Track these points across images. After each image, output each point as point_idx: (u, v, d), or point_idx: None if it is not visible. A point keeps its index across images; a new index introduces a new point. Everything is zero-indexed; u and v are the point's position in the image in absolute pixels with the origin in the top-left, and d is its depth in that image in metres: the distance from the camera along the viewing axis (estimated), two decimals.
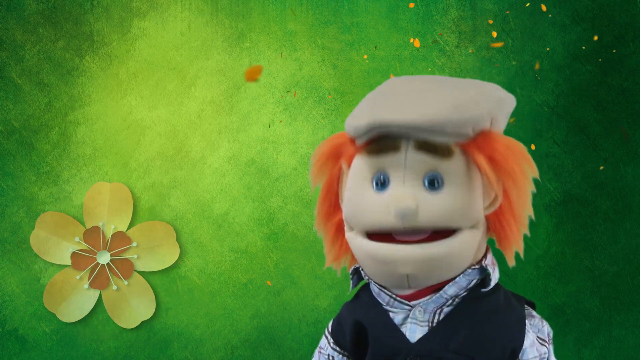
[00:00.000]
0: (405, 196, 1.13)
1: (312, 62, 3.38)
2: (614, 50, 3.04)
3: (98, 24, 3.39)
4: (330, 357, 1.32)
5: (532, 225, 1.26)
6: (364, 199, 1.18)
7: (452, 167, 1.14)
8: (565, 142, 3.25)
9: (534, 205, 1.24)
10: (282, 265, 3.38)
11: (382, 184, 1.17)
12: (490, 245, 1.27)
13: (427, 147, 1.14)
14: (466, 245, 1.16)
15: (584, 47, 3.13)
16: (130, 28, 3.40)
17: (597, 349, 3.25)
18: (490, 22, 3.00)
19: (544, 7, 2.85)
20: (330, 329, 1.34)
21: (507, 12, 3.17)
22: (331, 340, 1.33)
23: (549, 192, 3.24)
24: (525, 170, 1.16)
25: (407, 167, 1.15)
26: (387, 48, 3.35)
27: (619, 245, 3.28)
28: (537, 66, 2.82)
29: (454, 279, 1.19)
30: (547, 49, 2.94)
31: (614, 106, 3.28)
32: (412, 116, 1.11)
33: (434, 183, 1.14)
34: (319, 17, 3.38)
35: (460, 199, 1.14)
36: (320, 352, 1.34)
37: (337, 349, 1.31)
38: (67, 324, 3.36)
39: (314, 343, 1.36)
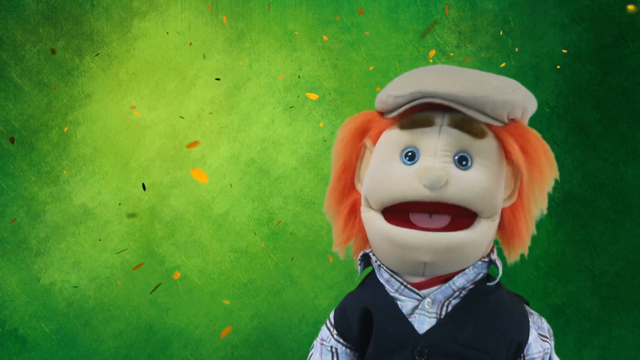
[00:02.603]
0: (436, 167, 1.15)
1: (312, 62, 3.38)
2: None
3: (98, 24, 3.39)
4: (334, 349, 1.30)
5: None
6: (391, 170, 1.19)
7: (483, 149, 1.17)
8: (565, 142, 3.25)
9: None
10: (282, 265, 3.38)
11: (411, 157, 1.18)
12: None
13: (462, 125, 1.17)
14: (484, 236, 1.18)
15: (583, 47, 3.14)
16: (130, 28, 3.40)
17: (597, 349, 3.25)
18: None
19: None
20: (332, 321, 1.32)
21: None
22: (334, 332, 1.30)
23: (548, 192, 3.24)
24: (550, 164, 1.22)
25: (439, 142, 1.17)
26: (387, 48, 3.35)
27: (619, 245, 3.28)
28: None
29: (463, 270, 1.21)
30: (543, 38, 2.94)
31: (614, 106, 3.28)
32: (456, 88, 1.14)
33: (463, 161, 1.17)
34: (319, 17, 3.38)
35: (487, 180, 1.16)
36: (322, 345, 1.31)
37: (341, 340, 1.29)
38: (67, 324, 3.36)
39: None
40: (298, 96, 3.25)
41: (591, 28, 3.28)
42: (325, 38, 3.16)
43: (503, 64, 3.24)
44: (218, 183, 3.40)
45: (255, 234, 3.21)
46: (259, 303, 3.38)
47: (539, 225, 1.29)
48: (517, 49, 3.22)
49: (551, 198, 3.51)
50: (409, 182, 1.16)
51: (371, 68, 3.30)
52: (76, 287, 3.29)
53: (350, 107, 3.34)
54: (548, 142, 1.25)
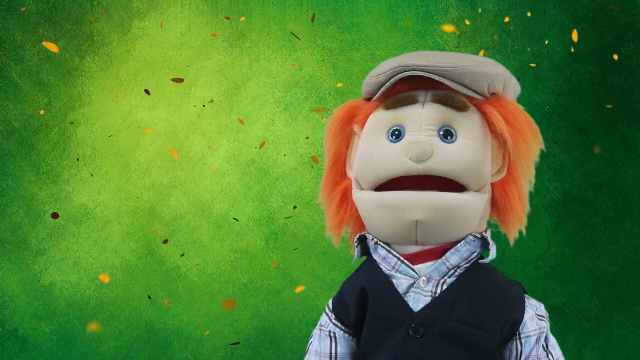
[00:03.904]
0: (421, 140, 1.18)
1: (312, 62, 3.38)
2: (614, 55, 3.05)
3: (98, 24, 3.39)
4: (332, 334, 1.30)
5: (532, 225, 1.28)
6: (378, 148, 1.22)
7: (466, 122, 1.20)
8: (565, 142, 3.25)
9: (534, 206, 1.27)
10: (282, 265, 3.38)
11: (397, 135, 1.21)
12: (493, 235, 1.29)
13: (445, 99, 1.20)
14: (474, 204, 1.20)
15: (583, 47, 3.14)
16: (130, 28, 3.40)
17: (597, 349, 3.25)
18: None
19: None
20: (331, 306, 1.32)
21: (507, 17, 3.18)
22: (332, 317, 1.31)
23: (549, 192, 3.24)
24: (534, 133, 1.23)
25: (423, 117, 1.20)
26: (387, 48, 3.35)
27: (619, 245, 3.28)
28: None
29: (456, 245, 1.22)
30: (546, 41, 2.94)
31: (614, 106, 3.28)
32: (435, 61, 1.18)
33: (448, 136, 1.19)
34: (319, 17, 3.38)
35: (473, 152, 1.19)
36: (320, 330, 1.32)
37: (339, 324, 1.30)
38: (67, 323, 3.36)
39: None
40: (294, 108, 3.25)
41: (591, 28, 3.28)
42: (212, 36, 3.16)
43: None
44: (218, 183, 3.40)
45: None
46: (259, 303, 3.38)
47: (539, 225, 1.30)
48: (516, 47, 3.23)
49: (551, 198, 3.49)
50: (396, 158, 1.18)
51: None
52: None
53: None
54: (548, 142, 1.26)
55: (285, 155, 3.23)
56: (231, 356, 3.38)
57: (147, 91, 3.18)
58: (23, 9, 3.06)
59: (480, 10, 3.31)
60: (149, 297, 3.34)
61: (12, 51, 3.37)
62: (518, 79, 1.32)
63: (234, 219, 3.23)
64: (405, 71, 1.19)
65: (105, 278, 3.32)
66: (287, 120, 3.39)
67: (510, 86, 1.27)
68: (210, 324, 3.40)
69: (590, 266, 3.29)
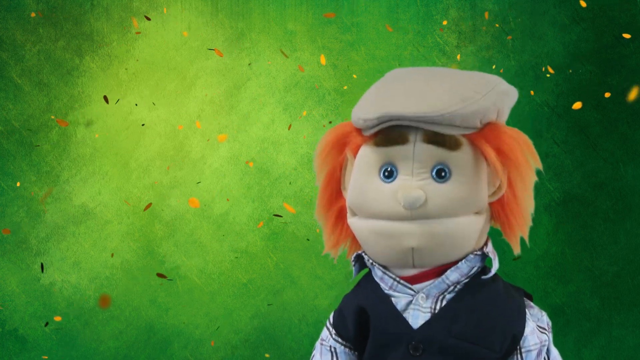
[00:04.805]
0: (414, 186, 1.16)
1: (312, 62, 3.38)
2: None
3: (98, 24, 3.39)
4: (332, 349, 1.30)
5: (532, 225, 1.27)
6: (371, 189, 1.20)
7: (460, 159, 1.17)
8: (565, 142, 3.25)
9: (534, 206, 1.26)
10: (282, 265, 3.38)
11: (389, 175, 1.19)
12: (493, 237, 1.28)
13: (436, 139, 1.17)
14: (470, 226, 1.18)
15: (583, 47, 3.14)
16: (130, 28, 3.40)
17: (597, 349, 3.25)
18: (486, 15, 3.02)
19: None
20: (331, 321, 1.32)
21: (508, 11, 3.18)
22: (333, 332, 1.31)
23: (549, 192, 3.24)
24: (529, 160, 1.20)
25: (415, 159, 1.18)
26: (387, 48, 3.35)
27: (619, 245, 3.28)
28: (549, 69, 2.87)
29: (456, 264, 1.21)
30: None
31: (614, 106, 3.28)
32: (422, 108, 1.14)
33: (441, 174, 1.17)
34: (319, 17, 3.38)
35: (468, 188, 1.17)
36: (322, 344, 1.32)
37: (339, 340, 1.29)
38: (67, 323, 3.36)
39: (314, 343, 1.35)
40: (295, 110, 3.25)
41: (591, 28, 3.28)
42: (137, 34, 3.15)
43: (501, 70, 3.25)
44: (218, 183, 3.40)
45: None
46: (259, 303, 3.38)
47: (539, 225, 1.29)
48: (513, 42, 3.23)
49: (551, 198, 3.49)
50: (389, 204, 1.17)
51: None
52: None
53: (350, 107, 3.34)
54: (548, 142, 1.26)
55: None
56: (231, 356, 3.39)
57: (105, 98, 3.19)
58: (33, 14, 3.06)
59: (479, 10, 3.31)
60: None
61: (12, 51, 3.37)
62: (517, 80, 1.30)
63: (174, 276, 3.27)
64: (392, 120, 1.16)
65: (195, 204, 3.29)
66: (287, 120, 3.39)
67: (504, 111, 1.24)
68: (210, 324, 3.40)
69: (590, 266, 3.29)
